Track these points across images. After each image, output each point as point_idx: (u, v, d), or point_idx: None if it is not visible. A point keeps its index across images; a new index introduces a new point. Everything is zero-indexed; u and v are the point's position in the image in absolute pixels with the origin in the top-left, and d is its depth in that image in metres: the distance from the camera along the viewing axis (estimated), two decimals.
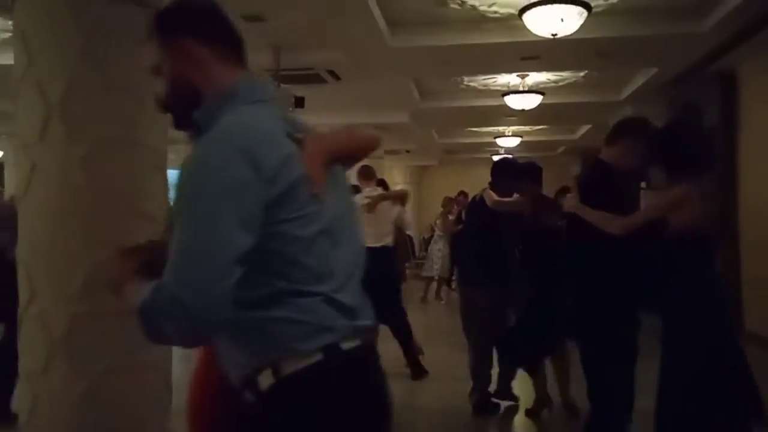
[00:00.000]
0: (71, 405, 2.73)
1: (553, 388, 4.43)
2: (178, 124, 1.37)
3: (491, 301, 4.42)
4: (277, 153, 1.17)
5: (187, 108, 1.30)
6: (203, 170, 1.14)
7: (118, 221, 2.79)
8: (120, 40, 2.82)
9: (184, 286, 1.08)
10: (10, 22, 5.52)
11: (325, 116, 9.55)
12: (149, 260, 1.25)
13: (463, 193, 10.46)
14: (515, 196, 4.46)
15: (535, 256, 4.43)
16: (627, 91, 8.79)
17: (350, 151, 1.44)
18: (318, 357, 1.19)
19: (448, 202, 11.15)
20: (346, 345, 1.22)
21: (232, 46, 1.36)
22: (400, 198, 5.81)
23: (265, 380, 1.20)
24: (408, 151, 13.74)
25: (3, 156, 11.56)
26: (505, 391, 4.65)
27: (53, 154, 2.73)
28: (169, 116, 1.39)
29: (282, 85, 6.67)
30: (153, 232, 2.94)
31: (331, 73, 7.11)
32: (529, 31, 5.36)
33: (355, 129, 1.49)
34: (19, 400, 3.02)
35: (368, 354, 1.31)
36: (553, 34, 5.20)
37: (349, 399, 1.22)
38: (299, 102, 6.48)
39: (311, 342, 1.19)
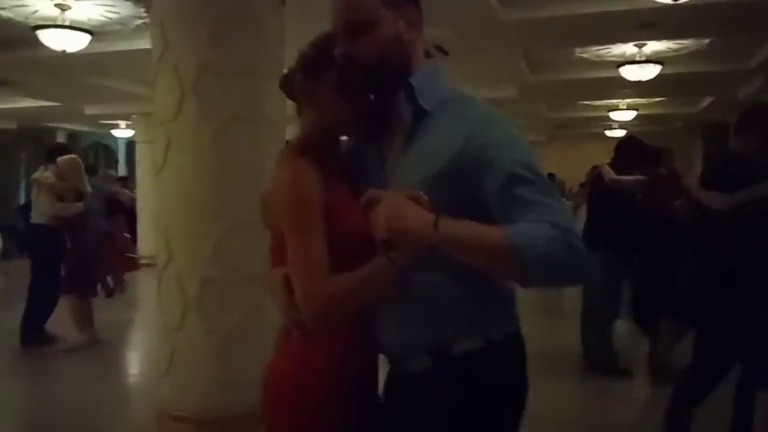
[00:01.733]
0: (203, 358, 3.03)
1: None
2: (371, 85, 1.33)
3: (605, 267, 4.47)
4: None
5: (393, 72, 1.29)
6: (516, 133, 1.24)
7: (244, 194, 3.01)
8: (245, 25, 3.03)
9: (571, 223, 1.15)
10: (142, 10, 6.00)
11: None
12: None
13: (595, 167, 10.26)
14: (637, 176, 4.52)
15: (648, 235, 4.51)
16: (757, 60, 8.15)
17: None
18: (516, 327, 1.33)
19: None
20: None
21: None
22: None
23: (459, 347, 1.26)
24: None
25: (135, 134, 12.54)
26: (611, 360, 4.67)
27: (187, 131, 3.00)
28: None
29: None
30: None
31: (439, 48, 7.13)
32: None
33: None
34: (158, 353, 3.36)
35: None
36: (673, 0, 4.93)
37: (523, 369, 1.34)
38: None
39: (513, 316, 1.34)
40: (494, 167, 1.16)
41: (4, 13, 6.14)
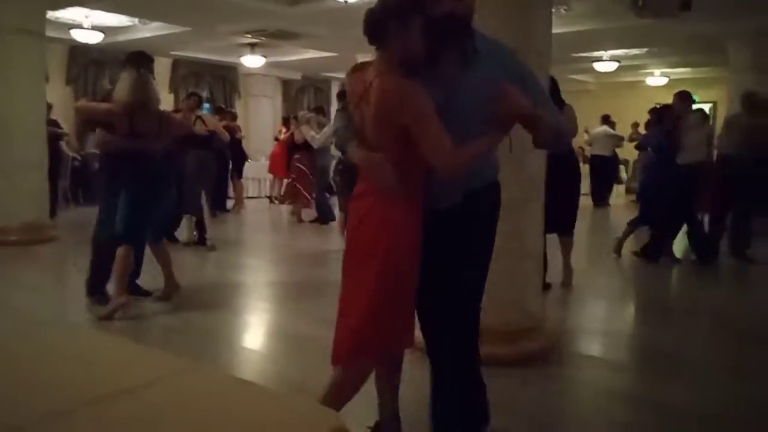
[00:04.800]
0: None
1: None
2: (458, 33, 2.01)
3: None
4: None
5: (469, 25, 2.05)
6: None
7: None
8: None
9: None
10: None
11: (715, 21, 8.46)
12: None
13: None
14: None
15: None
16: None
17: None
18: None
19: None
20: None
21: None
22: None
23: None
24: None
25: None
26: None
27: None
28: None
29: None
30: None
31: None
32: None
33: None
34: None
35: None
36: None
37: None
38: (686, 5, 5.94)
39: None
40: (531, 85, 2.13)
41: None
